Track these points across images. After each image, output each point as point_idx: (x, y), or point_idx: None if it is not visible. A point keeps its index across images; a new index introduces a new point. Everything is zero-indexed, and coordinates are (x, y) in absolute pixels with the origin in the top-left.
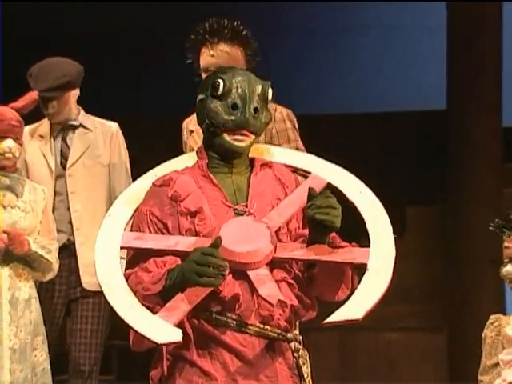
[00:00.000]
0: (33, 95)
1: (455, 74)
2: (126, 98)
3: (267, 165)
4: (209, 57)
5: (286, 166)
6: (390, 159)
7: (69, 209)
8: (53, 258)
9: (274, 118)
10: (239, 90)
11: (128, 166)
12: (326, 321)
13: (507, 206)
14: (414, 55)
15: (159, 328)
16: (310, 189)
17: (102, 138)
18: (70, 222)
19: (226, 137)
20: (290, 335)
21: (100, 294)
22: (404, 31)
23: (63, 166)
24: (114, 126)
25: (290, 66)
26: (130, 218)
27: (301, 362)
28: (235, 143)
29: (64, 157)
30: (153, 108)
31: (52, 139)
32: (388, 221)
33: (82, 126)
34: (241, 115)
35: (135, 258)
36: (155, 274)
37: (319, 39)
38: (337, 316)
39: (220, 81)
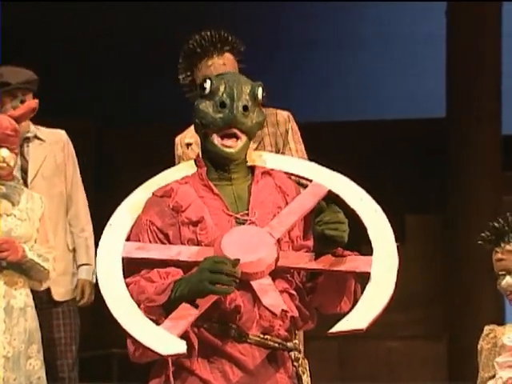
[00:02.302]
0: (31, 104)
1: (454, 81)
2: (125, 100)
3: (268, 173)
4: (221, 66)
5: (287, 173)
6: (389, 167)
7: None
8: (50, 266)
9: (276, 121)
10: (227, 89)
11: (79, 173)
12: (330, 331)
13: (507, 213)
14: (413, 63)
15: (163, 339)
16: (319, 204)
17: (55, 148)
18: None
19: (215, 140)
20: (290, 344)
21: (68, 302)
22: (403, 39)
23: (24, 180)
24: (63, 134)
25: (290, 74)
26: (131, 228)
27: (301, 371)
28: (225, 149)
29: (24, 171)
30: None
31: None
32: (390, 228)
33: (36, 137)
34: (229, 112)
35: (134, 265)
36: (159, 285)
37: (319, 49)
38: (341, 326)
39: (207, 80)
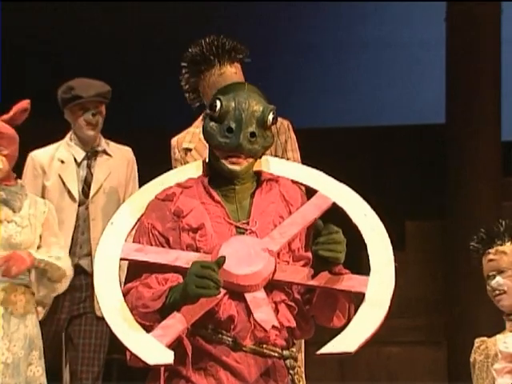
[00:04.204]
0: (23, 105)
1: (454, 87)
2: (125, 103)
3: (274, 180)
4: (233, 74)
5: (293, 181)
6: (389, 173)
7: (83, 233)
8: (64, 263)
9: (277, 130)
10: (236, 113)
11: None
12: (318, 352)
13: (499, 219)
14: (413, 69)
15: (151, 348)
16: (316, 224)
17: (120, 164)
18: (81, 247)
19: (222, 159)
20: (285, 352)
21: None
22: (403, 45)
23: (86, 193)
24: (129, 152)
25: (290, 80)
26: (133, 228)
27: (296, 380)
28: (230, 166)
29: (87, 184)
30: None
31: (76, 165)
32: (390, 248)
33: (104, 151)
34: (235, 139)
35: (136, 270)
36: (156, 291)
37: (319, 55)
38: (329, 348)
39: (218, 102)
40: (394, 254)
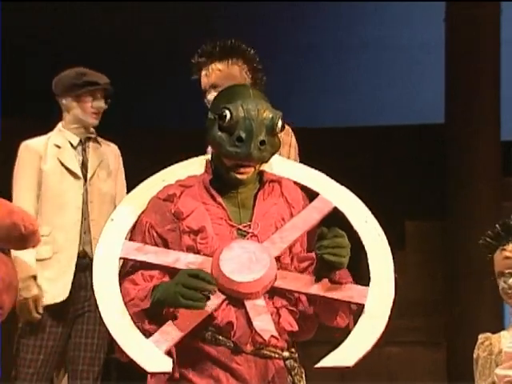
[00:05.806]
0: None
1: (453, 87)
2: (123, 103)
3: (276, 181)
4: (204, 77)
5: (295, 183)
6: (389, 173)
7: (85, 218)
8: None
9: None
10: (246, 122)
11: (125, 190)
12: (317, 365)
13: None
14: (412, 69)
15: (150, 355)
16: (321, 228)
17: (109, 156)
18: (85, 232)
19: (231, 171)
20: (286, 353)
21: None
22: (403, 45)
23: (84, 176)
24: (116, 148)
25: (290, 80)
26: (133, 226)
27: (297, 380)
28: (235, 175)
29: (84, 167)
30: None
31: (72, 149)
32: (390, 257)
33: (96, 140)
34: (245, 149)
35: (129, 267)
36: (141, 289)
37: (319, 55)
38: (328, 361)
39: (227, 112)
40: (394, 254)
